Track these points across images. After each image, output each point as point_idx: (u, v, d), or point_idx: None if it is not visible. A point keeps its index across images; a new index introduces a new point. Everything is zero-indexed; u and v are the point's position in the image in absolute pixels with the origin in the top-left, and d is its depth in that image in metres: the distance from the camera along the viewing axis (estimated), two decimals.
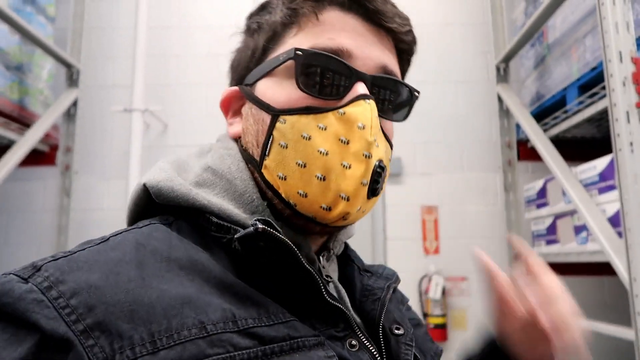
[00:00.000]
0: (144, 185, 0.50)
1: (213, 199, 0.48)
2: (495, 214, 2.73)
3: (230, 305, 0.40)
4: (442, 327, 2.57)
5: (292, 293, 0.44)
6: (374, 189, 0.49)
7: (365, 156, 0.47)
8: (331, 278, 0.52)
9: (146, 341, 0.36)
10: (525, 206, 2.49)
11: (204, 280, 0.41)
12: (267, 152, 0.48)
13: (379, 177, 0.49)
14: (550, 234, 2.24)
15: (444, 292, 2.59)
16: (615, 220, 1.67)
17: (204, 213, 0.47)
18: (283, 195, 0.48)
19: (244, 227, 0.45)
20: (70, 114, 2.70)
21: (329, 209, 0.47)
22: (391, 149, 0.54)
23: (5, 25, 2.23)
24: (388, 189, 2.76)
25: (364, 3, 0.51)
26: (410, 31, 0.58)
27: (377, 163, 0.49)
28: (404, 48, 0.58)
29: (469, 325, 2.64)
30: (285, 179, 0.47)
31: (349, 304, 0.52)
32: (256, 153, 0.50)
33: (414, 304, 2.65)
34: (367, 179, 0.48)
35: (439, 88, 2.87)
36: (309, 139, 0.47)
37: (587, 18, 1.94)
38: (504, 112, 2.68)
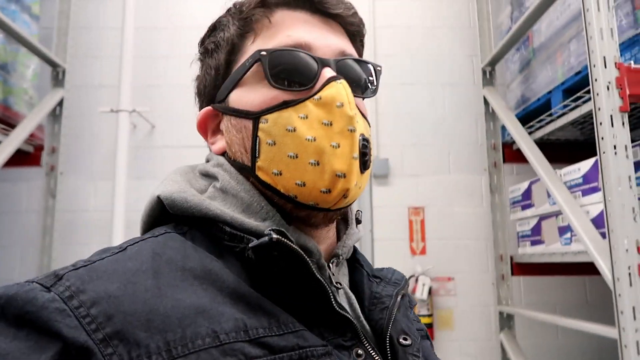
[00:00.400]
0: (158, 197, 0.51)
1: (225, 209, 0.49)
2: (481, 215, 2.77)
3: (242, 315, 0.41)
4: (428, 327, 2.60)
5: (302, 301, 0.46)
6: (364, 161, 0.51)
7: (350, 130, 0.49)
8: (341, 285, 0.53)
9: (162, 350, 0.37)
10: (511, 207, 2.54)
11: (217, 289, 0.43)
12: (257, 154, 0.50)
13: (366, 149, 0.52)
14: (535, 235, 2.28)
15: (430, 292, 2.62)
16: (598, 222, 1.72)
17: (217, 223, 0.49)
18: (282, 190, 0.49)
19: (257, 235, 0.46)
20: (55, 114, 2.66)
21: (329, 190, 0.48)
22: (369, 126, 0.57)
23: None
24: (375, 190, 2.79)
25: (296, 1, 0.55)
26: (355, 13, 0.59)
27: (360, 137, 0.51)
28: (354, 30, 0.60)
29: (455, 325, 2.68)
30: (281, 174, 0.49)
31: (359, 311, 0.53)
32: (246, 159, 0.51)
33: None
34: (357, 153, 0.50)
35: (426, 90, 2.91)
36: (294, 130, 0.49)
37: (572, 23, 1.99)
38: (490, 115, 2.72)
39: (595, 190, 1.77)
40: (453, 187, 2.82)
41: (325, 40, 0.54)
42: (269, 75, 0.50)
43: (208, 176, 0.55)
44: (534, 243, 2.30)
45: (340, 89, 0.50)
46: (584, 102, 1.94)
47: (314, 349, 0.42)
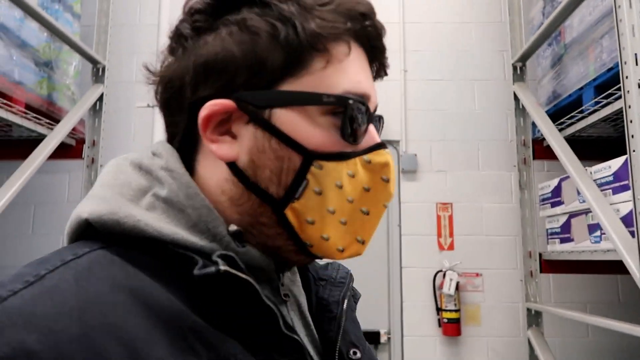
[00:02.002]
0: (86, 219, 0.44)
1: (167, 225, 0.43)
2: (510, 212, 2.76)
3: (179, 357, 0.37)
4: (455, 322, 2.61)
5: (250, 324, 0.43)
6: None
7: (384, 206, 0.50)
8: (288, 295, 0.51)
9: None
10: (540, 204, 2.52)
11: (155, 322, 0.37)
12: (297, 195, 0.46)
13: None
14: (565, 232, 2.26)
15: (457, 287, 2.63)
16: (628, 220, 1.70)
17: (157, 241, 0.43)
18: (301, 237, 0.47)
19: (204, 255, 0.42)
20: (96, 109, 2.78)
21: (343, 250, 0.48)
22: None
23: (35, 23, 2.31)
24: (403, 185, 2.81)
25: (377, 44, 0.50)
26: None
27: None
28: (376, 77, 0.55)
29: (482, 321, 2.68)
30: (313, 224, 0.46)
31: (309, 319, 0.52)
32: (275, 191, 0.46)
33: (428, 298, 2.70)
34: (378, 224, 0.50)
35: (455, 86, 2.90)
36: (341, 187, 0.46)
37: (605, 19, 1.96)
38: (520, 111, 2.70)
39: (625, 188, 1.75)
40: (482, 183, 2.81)
41: (375, 95, 0.50)
42: (345, 125, 0.46)
43: (147, 172, 0.47)
44: (563, 240, 2.28)
45: (390, 162, 0.49)
46: (616, 99, 1.91)
47: None
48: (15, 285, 0.35)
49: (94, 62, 2.75)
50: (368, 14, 0.48)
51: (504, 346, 2.66)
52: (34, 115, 2.34)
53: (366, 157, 0.48)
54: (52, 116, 2.50)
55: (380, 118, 0.54)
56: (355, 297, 0.61)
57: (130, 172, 0.47)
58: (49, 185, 2.88)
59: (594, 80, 2.04)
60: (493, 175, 2.82)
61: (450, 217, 2.79)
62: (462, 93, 2.90)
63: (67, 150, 2.72)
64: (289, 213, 0.46)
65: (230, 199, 0.47)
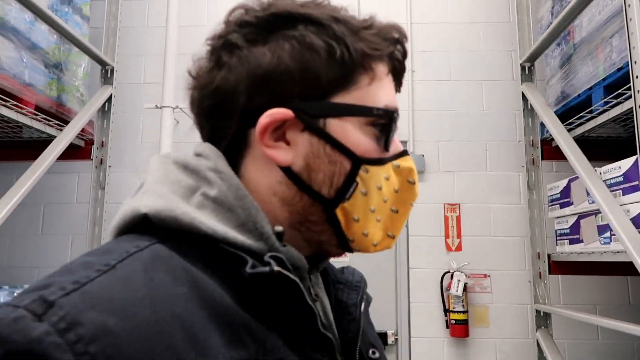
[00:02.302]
0: (145, 214, 0.47)
1: (218, 223, 0.46)
2: (518, 213, 2.74)
3: (230, 347, 0.41)
4: (463, 323, 2.60)
5: (290, 321, 0.46)
6: None
7: (411, 205, 0.57)
8: (318, 296, 0.56)
9: None
10: (549, 205, 2.50)
11: (208, 314, 0.41)
12: (347, 195, 0.51)
13: None
14: (574, 233, 2.25)
15: (465, 288, 2.62)
16: (638, 221, 1.69)
17: (209, 239, 0.46)
18: (346, 233, 0.52)
19: (252, 254, 0.46)
20: (104, 110, 2.80)
21: (376, 244, 0.54)
22: None
23: (45, 26, 2.34)
24: None
25: (403, 65, 0.57)
26: None
27: None
28: None
29: (491, 322, 2.67)
30: (357, 221, 0.52)
31: (331, 318, 0.56)
32: (327, 192, 0.51)
33: (435, 300, 2.69)
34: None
35: (463, 87, 2.89)
36: (380, 189, 0.53)
37: (614, 18, 1.95)
38: (529, 111, 2.69)
39: (636, 189, 1.74)
40: (490, 184, 2.80)
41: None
42: (389, 134, 0.53)
43: (193, 172, 0.50)
44: (572, 241, 2.27)
45: (414, 167, 0.56)
46: (626, 98, 1.90)
47: None
48: (89, 273, 0.39)
49: (102, 63, 2.77)
50: (401, 39, 0.55)
51: (512, 348, 2.65)
52: (44, 116, 2.36)
53: (395, 162, 0.54)
54: (61, 117, 2.52)
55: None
56: (367, 300, 0.64)
57: (176, 170, 0.51)
58: (59, 186, 2.91)
59: (604, 80, 2.03)
60: (501, 176, 2.81)
61: (458, 218, 2.78)
62: (470, 93, 2.89)
63: (76, 151, 2.74)
64: (338, 212, 0.51)
65: (282, 200, 0.51)
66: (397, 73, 0.56)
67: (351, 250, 0.55)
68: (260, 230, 0.47)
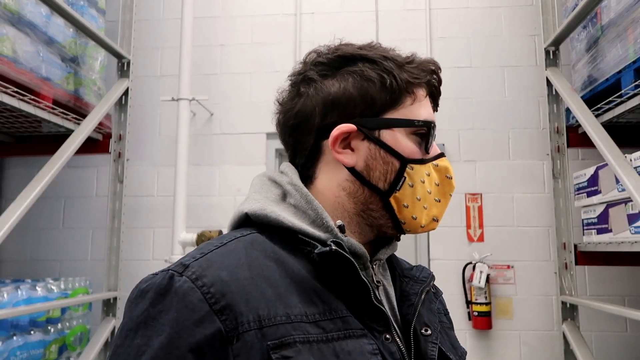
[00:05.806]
0: (246, 213, 0.68)
1: (296, 221, 0.65)
2: (543, 202, 2.67)
3: (305, 304, 0.58)
4: (486, 315, 2.55)
5: (351, 294, 0.62)
6: None
7: (450, 195, 0.73)
8: (380, 282, 0.71)
9: (256, 320, 0.55)
10: (575, 194, 2.42)
11: (289, 280, 0.59)
12: (398, 187, 0.67)
13: None
14: (602, 223, 2.17)
15: (488, 279, 2.56)
16: None
17: (290, 230, 0.64)
18: (399, 217, 0.68)
19: (321, 242, 0.63)
20: (121, 104, 2.80)
21: (424, 226, 0.70)
22: None
23: (61, 19, 2.33)
24: None
25: (438, 90, 0.73)
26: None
27: None
28: None
29: (515, 314, 2.61)
30: (407, 207, 0.68)
31: (394, 303, 0.70)
32: (382, 185, 0.68)
33: (457, 291, 2.64)
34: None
35: (485, 73, 2.82)
36: (423, 182, 0.69)
37: None
38: (553, 97, 2.60)
39: None
40: (513, 172, 2.73)
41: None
42: (429, 141, 0.69)
43: (279, 185, 0.71)
44: (600, 231, 2.19)
45: (449, 166, 0.73)
46: None
47: (355, 330, 0.59)
48: (210, 247, 0.62)
49: (119, 56, 2.76)
50: (436, 70, 0.71)
51: (537, 340, 2.59)
52: (62, 110, 2.36)
53: (434, 162, 0.71)
54: (79, 111, 2.52)
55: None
56: (437, 294, 0.79)
57: (269, 184, 0.72)
58: (78, 180, 2.93)
59: (634, 62, 1.94)
60: (524, 164, 2.73)
61: (480, 208, 2.72)
62: (491, 80, 2.81)
63: (95, 145, 2.75)
64: (392, 200, 0.68)
65: (349, 193, 0.69)
66: (434, 96, 0.73)
67: (404, 232, 0.70)
68: (326, 225, 0.65)
